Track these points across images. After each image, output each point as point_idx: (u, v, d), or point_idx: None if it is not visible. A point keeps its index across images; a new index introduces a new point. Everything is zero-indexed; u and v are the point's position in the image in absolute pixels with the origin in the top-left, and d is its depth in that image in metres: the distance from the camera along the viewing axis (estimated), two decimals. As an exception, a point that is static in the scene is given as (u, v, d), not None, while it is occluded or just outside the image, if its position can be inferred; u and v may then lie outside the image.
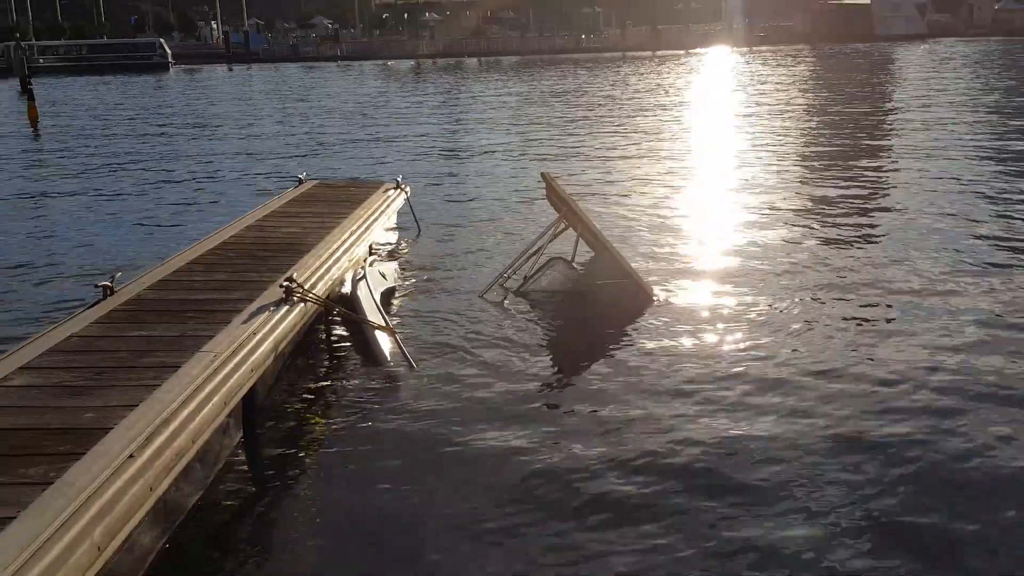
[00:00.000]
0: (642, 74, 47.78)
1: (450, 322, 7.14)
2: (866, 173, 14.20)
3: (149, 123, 28.49)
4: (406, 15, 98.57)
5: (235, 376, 4.74)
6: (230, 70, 75.75)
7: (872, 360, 6.07)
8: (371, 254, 8.79)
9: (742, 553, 3.92)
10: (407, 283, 8.39)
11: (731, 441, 4.97)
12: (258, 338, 5.20)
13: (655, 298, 7.46)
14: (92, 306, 5.87)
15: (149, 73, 71.13)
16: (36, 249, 10.43)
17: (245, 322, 5.37)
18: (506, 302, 7.62)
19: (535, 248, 7.98)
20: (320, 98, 38.39)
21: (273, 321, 5.49)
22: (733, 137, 20.03)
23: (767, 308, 7.27)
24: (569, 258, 7.94)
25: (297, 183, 10.81)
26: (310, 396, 5.86)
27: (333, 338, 6.86)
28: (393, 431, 5.25)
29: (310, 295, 6.04)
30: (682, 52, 75.29)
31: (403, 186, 10.54)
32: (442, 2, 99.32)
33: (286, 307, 5.74)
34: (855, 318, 6.98)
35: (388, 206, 9.65)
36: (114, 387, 4.43)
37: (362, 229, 8.33)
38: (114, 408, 4.14)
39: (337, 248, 7.40)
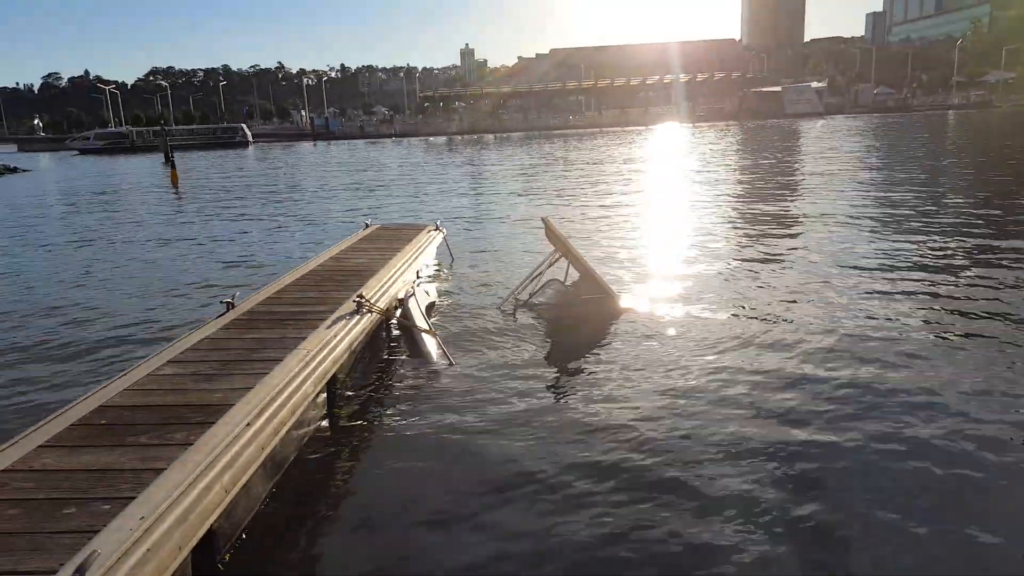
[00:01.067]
0: (613, 144, 47.71)
1: (477, 327, 7.15)
2: (781, 212, 14.11)
3: (256, 184, 28.68)
4: (442, 103, 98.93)
5: (321, 367, 4.80)
6: (315, 145, 76.06)
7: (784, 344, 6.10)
8: (418, 278, 8.81)
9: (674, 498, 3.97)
10: (445, 299, 8.35)
11: (672, 409, 5.01)
12: (338, 339, 5.25)
13: (625, 309, 7.45)
14: (218, 316, 5.93)
15: (233, 149, 71.24)
16: (179, 276, 10.51)
17: (328, 327, 5.43)
18: (517, 312, 7.61)
19: (537, 272, 7.99)
20: (380, 165, 38.55)
21: (348, 326, 5.54)
22: (682, 187, 19.99)
23: (708, 315, 7.23)
24: (562, 280, 7.92)
25: (364, 226, 10.87)
26: (376, 382, 5.86)
27: (392, 340, 6.84)
28: (436, 408, 5.27)
29: (375, 307, 6.08)
30: (643, 127, 75.29)
31: (441, 228, 10.58)
32: (468, 94, 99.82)
33: (357, 316, 5.78)
34: (776, 306, 7.00)
35: (430, 243, 9.66)
36: (235, 374, 4.49)
37: (411, 259, 8.35)
38: (235, 389, 4.21)
39: (394, 273, 7.40)
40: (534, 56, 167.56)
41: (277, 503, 4.05)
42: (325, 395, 5.10)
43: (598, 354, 6.28)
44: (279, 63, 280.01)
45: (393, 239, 9.62)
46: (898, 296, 7.66)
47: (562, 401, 5.29)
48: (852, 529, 3.65)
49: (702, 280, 8.72)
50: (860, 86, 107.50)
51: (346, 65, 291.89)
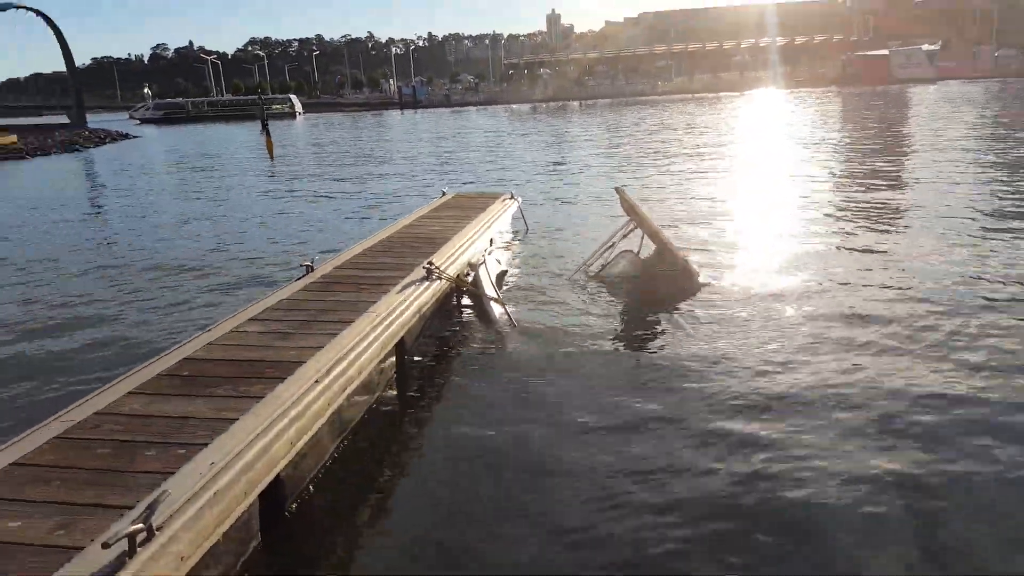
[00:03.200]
0: (702, 110, 46.06)
1: (545, 296, 7.16)
2: (882, 188, 13.19)
3: (343, 151, 29.45)
4: (527, 71, 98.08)
5: (389, 329, 4.94)
6: (402, 114, 77.22)
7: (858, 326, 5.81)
8: (491, 246, 8.85)
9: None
10: (516, 268, 8.40)
11: (743, 395, 4.88)
12: (406, 303, 5.38)
13: (703, 285, 7.18)
14: (299, 279, 6.19)
15: (282, 120, 71.94)
16: (269, 240, 11.06)
17: (399, 292, 5.57)
18: (587, 283, 7.56)
19: (610, 243, 7.90)
20: (463, 133, 38.76)
21: (417, 292, 5.66)
22: (774, 159, 19.15)
23: (795, 300, 6.74)
24: (636, 251, 7.81)
25: (442, 194, 11.01)
26: (444, 347, 6.00)
27: (461, 307, 6.94)
28: (499, 370, 5.39)
29: (444, 274, 6.19)
30: (736, 93, 72.27)
31: (516, 197, 10.58)
32: (553, 60, 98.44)
33: (427, 283, 5.90)
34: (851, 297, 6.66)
35: (504, 211, 9.69)
36: (309, 334, 4.68)
37: (484, 228, 8.40)
38: (308, 348, 4.39)
39: (465, 241, 7.48)
40: (622, 21, 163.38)
41: (345, 459, 4.23)
42: (394, 358, 5.26)
43: (667, 330, 6.16)
44: (369, 32, 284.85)
45: (468, 207, 9.71)
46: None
47: (629, 376, 5.23)
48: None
49: (792, 262, 8.07)
50: (979, 47, 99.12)
51: (433, 33, 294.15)
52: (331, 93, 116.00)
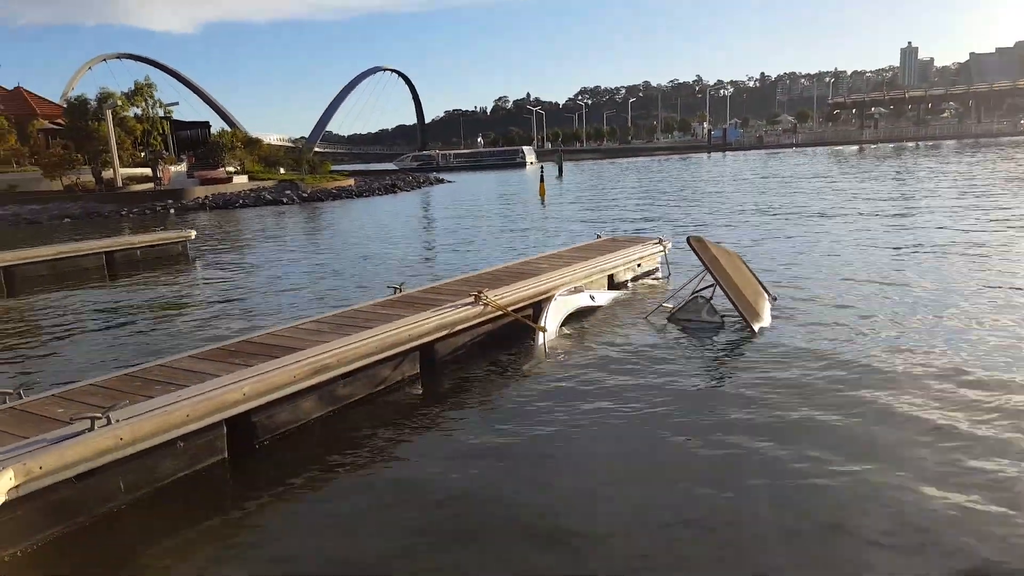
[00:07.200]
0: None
1: (607, 333, 7.91)
2: None
3: (610, 198, 31.36)
4: (854, 109, 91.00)
5: (403, 334, 6.31)
6: (708, 157, 77.72)
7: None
8: (612, 282, 9.69)
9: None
10: (614, 306, 9.01)
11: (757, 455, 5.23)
12: (434, 318, 6.72)
13: (755, 331, 7.40)
14: (384, 298, 7.91)
15: (514, 169, 76.94)
16: (423, 264, 13.19)
17: (433, 311, 6.94)
18: (661, 325, 8.05)
19: (687, 288, 8.30)
20: (748, 178, 38.12)
21: (453, 312, 6.94)
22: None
23: (848, 358, 6.73)
24: (708, 297, 8.06)
25: (596, 237, 12.05)
26: (476, 360, 7.11)
27: (509, 332, 7.63)
28: (514, 387, 6.42)
29: (492, 302, 7.34)
30: None
31: (664, 242, 11.15)
32: (886, 98, 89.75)
33: (469, 307, 7.15)
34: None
35: (637, 255, 10.40)
36: (337, 335, 6.31)
37: (590, 268, 9.27)
38: (320, 343, 6.04)
39: (544, 279, 8.50)
40: (993, 51, 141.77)
41: (330, 425, 5.72)
42: (417, 360, 6.61)
43: (693, 378, 6.46)
44: (697, 76, 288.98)
45: (602, 250, 10.61)
46: None
47: (620, 412, 5.69)
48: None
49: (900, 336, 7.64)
50: None
51: (765, 74, 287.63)
52: (643, 138, 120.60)
